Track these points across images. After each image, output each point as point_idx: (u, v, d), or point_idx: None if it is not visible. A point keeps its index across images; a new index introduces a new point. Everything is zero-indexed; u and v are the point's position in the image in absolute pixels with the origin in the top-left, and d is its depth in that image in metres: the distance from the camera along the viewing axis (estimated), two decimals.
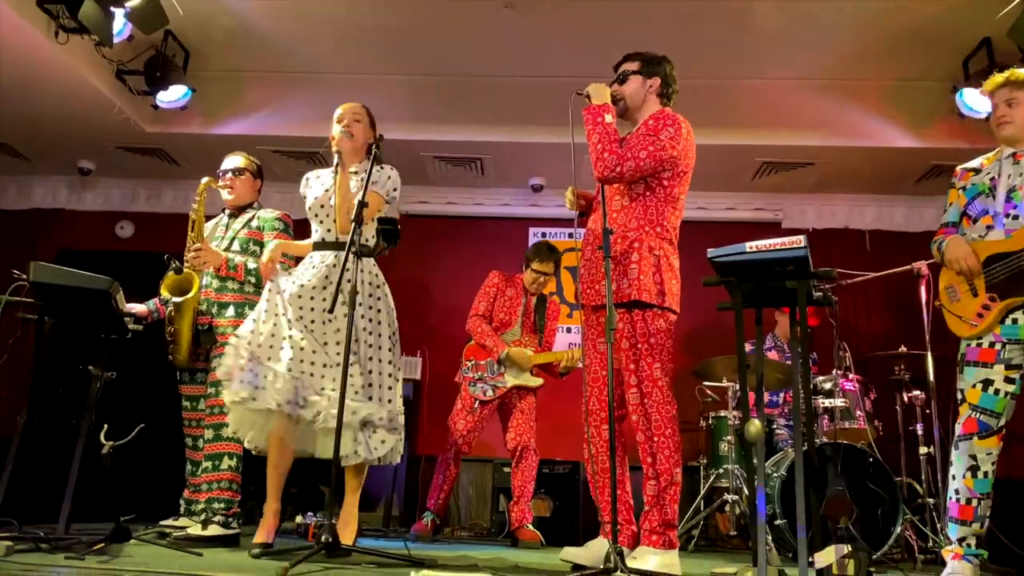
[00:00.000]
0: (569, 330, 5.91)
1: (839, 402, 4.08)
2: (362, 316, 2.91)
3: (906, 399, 4.29)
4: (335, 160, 3.03)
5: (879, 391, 4.41)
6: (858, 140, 5.19)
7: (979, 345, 2.91)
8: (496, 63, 4.77)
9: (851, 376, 4.18)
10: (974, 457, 2.85)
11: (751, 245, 2.39)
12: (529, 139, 5.35)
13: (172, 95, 4.74)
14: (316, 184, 3.14)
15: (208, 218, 3.51)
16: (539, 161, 5.70)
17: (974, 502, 2.82)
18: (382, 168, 3.05)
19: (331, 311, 2.74)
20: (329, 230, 3.04)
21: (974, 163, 3.12)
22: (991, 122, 3.06)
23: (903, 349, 4.31)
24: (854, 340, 4.53)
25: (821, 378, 4.25)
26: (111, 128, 5.22)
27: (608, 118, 2.78)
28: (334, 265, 2.96)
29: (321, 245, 3.05)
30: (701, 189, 5.96)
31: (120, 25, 4.13)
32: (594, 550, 2.68)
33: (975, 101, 4.47)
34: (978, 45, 4.39)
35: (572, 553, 2.71)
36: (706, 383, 4.77)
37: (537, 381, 4.40)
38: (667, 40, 4.49)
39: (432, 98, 5.16)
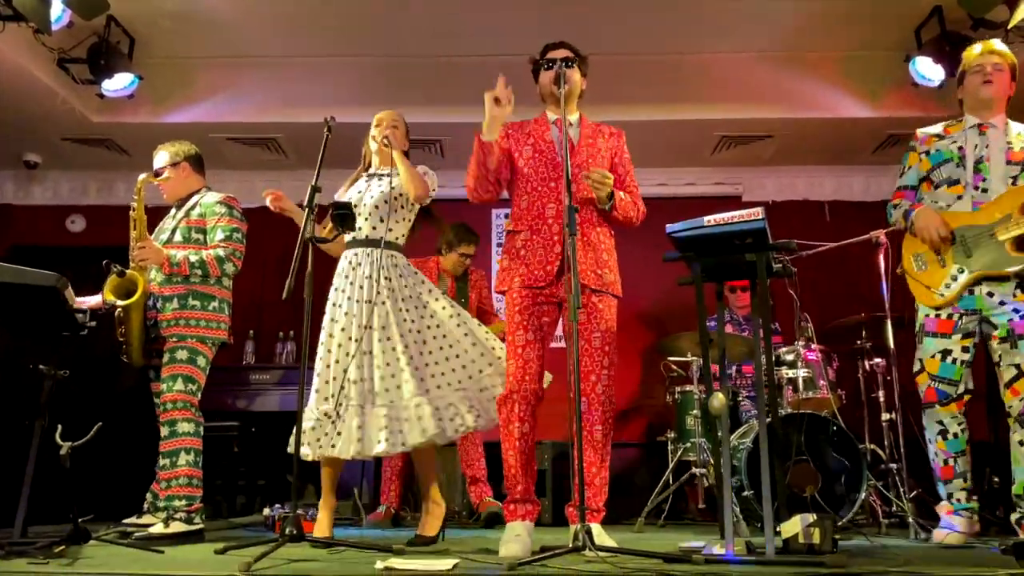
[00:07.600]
0: None
1: (802, 372, 4.12)
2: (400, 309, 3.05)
3: (867, 367, 4.35)
4: (372, 163, 3.31)
5: (841, 360, 4.46)
6: (815, 112, 5.22)
7: (938, 316, 3.01)
8: (453, 43, 4.68)
9: (813, 346, 4.22)
10: (941, 423, 3.03)
11: (709, 219, 2.39)
12: None
13: (118, 83, 4.57)
14: (351, 189, 3.28)
15: (167, 210, 3.52)
16: None
17: (951, 461, 3.02)
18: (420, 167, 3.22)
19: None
20: (360, 228, 3.15)
21: (935, 128, 3.16)
22: (968, 86, 3.10)
23: (863, 315, 4.36)
24: (815, 310, 4.56)
25: (784, 349, 4.28)
26: (56, 119, 5.05)
27: None
28: (358, 264, 3.10)
29: (352, 244, 3.16)
30: (661, 165, 5.96)
31: (58, 11, 3.97)
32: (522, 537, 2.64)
33: (928, 70, 4.49)
34: (929, 13, 4.41)
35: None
36: (671, 358, 4.80)
37: None
38: (623, 17, 4.47)
39: (387, 80, 5.05)
